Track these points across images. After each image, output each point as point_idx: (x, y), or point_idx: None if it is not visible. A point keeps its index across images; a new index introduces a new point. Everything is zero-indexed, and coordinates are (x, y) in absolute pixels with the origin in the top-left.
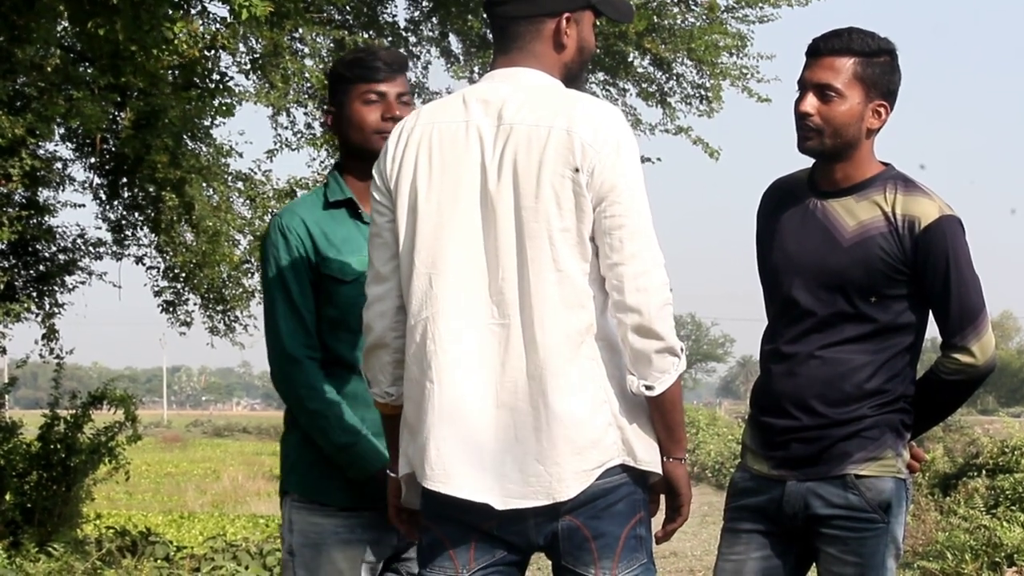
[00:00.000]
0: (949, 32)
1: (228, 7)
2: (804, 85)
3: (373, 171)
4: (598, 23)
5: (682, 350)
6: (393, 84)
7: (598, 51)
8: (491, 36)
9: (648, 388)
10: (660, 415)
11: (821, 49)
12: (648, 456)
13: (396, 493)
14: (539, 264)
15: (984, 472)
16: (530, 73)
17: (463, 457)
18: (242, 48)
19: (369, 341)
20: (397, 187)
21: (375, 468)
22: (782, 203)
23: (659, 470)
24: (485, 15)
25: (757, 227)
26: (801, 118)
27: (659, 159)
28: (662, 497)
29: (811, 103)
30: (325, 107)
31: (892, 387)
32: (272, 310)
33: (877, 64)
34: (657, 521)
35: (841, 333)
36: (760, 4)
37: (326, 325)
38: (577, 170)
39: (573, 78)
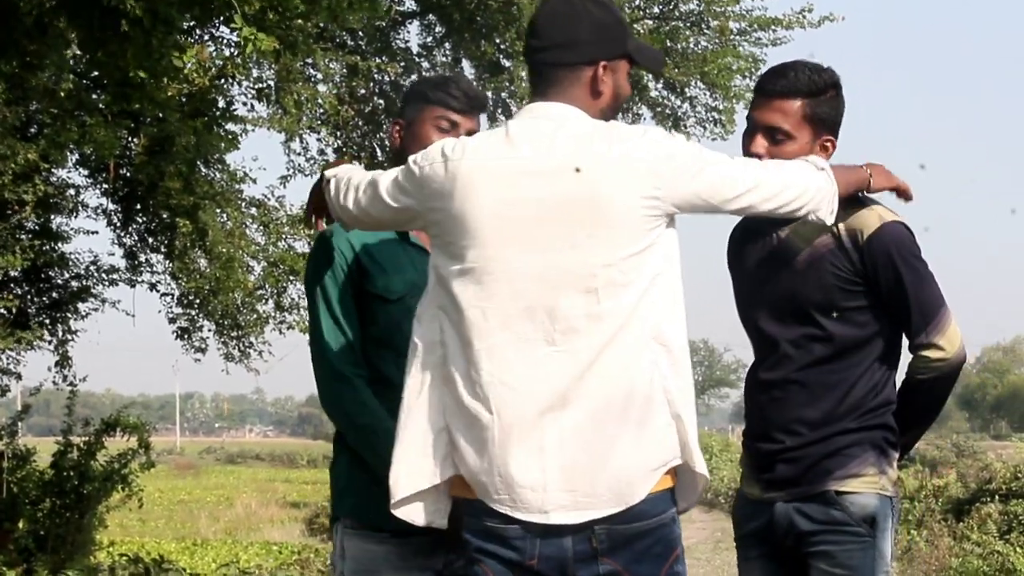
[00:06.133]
0: (949, 32)
1: (236, 39)
2: (754, 126)
3: (413, 164)
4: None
5: (822, 170)
6: (467, 119)
7: None
8: (529, 78)
9: (832, 212)
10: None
11: (769, 90)
12: (698, 456)
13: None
14: (606, 291)
15: (997, 497)
16: (569, 109)
17: (530, 481)
18: (255, 73)
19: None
20: (442, 214)
21: None
22: (747, 240)
23: (706, 472)
24: (524, 58)
25: (728, 266)
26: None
27: None
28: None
29: (761, 144)
30: (394, 119)
31: (872, 400)
32: (317, 328)
33: (825, 102)
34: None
35: (811, 354)
36: (772, 27)
37: (370, 344)
38: (647, 196)
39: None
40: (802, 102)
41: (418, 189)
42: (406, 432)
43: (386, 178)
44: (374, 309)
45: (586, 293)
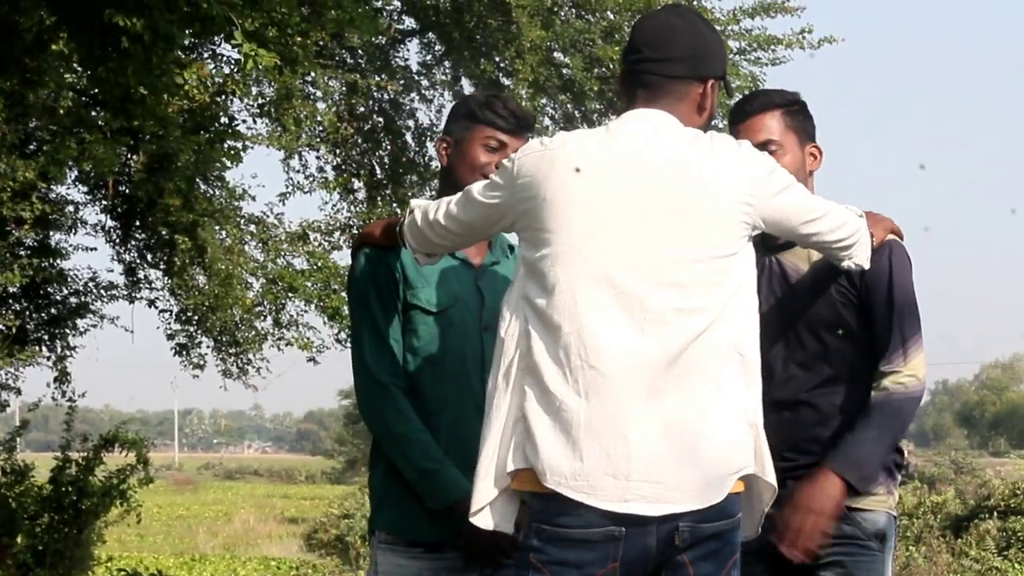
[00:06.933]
0: (948, 33)
1: (238, 55)
2: None
3: (507, 161)
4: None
5: (861, 217)
6: (516, 139)
7: (610, 93)
8: (627, 87)
9: (867, 259)
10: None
11: (748, 111)
12: (770, 466)
13: None
14: (695, 288)
15: (995, 514)
16: (671, 118)
17: (612, 469)
18: (254, 91)
19: (429, 235)
20: (537, 202)
21: (455, 498)
22: None
23: (775, 483)
24: (625, 67)
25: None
26: None
27: None
28: None
29: None
30: (441, 135)
31: None
32: (358, 337)
33: (797, 112)
34: None
35: (820, 375)
36: (772, 47)
37: (410, 355)
38: (742, 202)
39: None
40: (779, 113)
41: (511, 181)
42: (487, 434)
43: (478, 183)
44: (415, 321)
45: (676, 287)
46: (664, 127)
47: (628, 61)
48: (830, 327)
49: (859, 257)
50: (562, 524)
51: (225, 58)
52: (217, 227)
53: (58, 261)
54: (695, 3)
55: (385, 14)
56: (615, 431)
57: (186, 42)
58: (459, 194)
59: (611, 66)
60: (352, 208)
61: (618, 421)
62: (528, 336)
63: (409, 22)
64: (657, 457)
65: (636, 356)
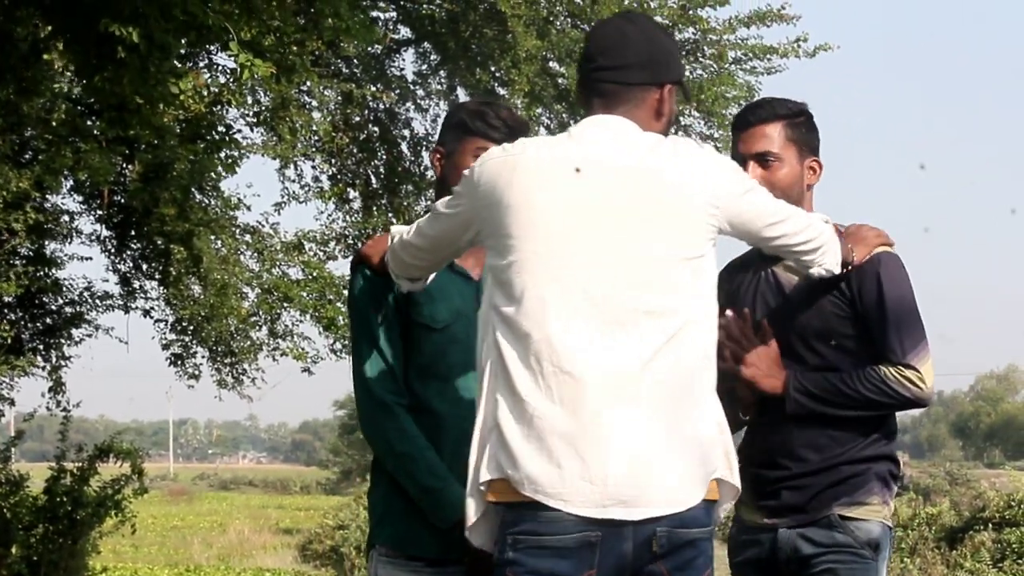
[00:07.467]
0: (947, 33)
1: (234, 64)
2: (743, 159)
3: (467, 170)
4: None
5: (826, 222)
6: None
7: None
8: (584, 96)
9: (837, 263)
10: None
11: (751, 120)
12: (735, 466)
13: None
14: (666, 291)
15: (991, 526)
16: (631, 124)
17: (589, 475)
18: (249, 100)
19: (405, 258)
20: (500, 209)
21: (460, 516)
22: (737, 279)
23: (739, 484)
24: (581, 76)
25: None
26: None
27: None
28: None
29: (756, 173)
30: (435, 145)
31: (875, 429)
32: (359, 354)
33: (801, 124)
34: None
35: None
36: (768, 56)
37: (414, 372)
38: (709, 204)
39: None
40: (782, 124)
41: (473, 189)
42: (471, 448)
43: (444, 198)
44: (419, 337)
45: (645, 290)
46: (624, 133)
47: (583, 70)
48: (822, 337)
49: (828, 263)
50: (537, 532)
51: (221, 67)
52: (212, 237)
53: (53, 271)
54: (690, 12)
55: (381, 23)
56: (591, 436)
57: (182, 51)
58: (429, 214)
59: None
60: (347, 218)
61: (594, 426)
62: (497, 345)
63: (405, 32)
64: (634, 461)
65: (609, 360)
